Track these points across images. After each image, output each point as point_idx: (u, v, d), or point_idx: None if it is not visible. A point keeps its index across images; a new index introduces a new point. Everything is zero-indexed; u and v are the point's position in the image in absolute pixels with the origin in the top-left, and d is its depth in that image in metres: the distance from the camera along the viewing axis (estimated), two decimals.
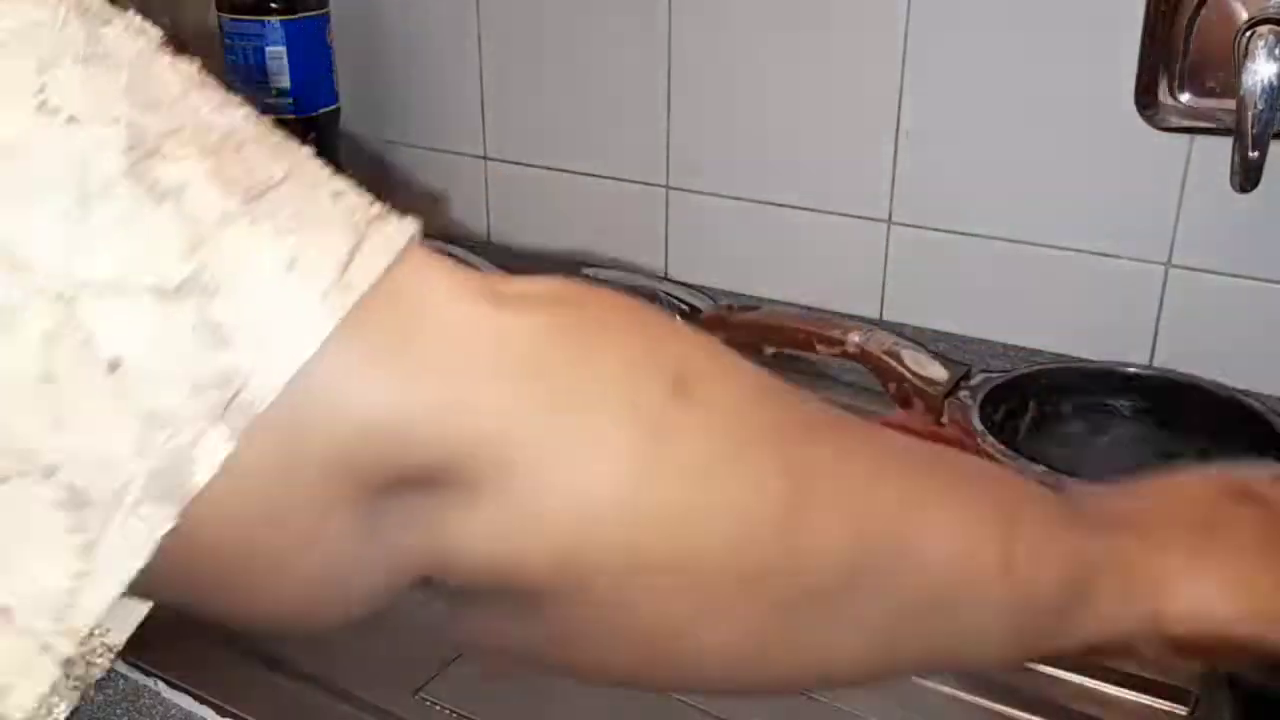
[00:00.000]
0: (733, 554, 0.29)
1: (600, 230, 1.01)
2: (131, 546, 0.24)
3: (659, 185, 0.97)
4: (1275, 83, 0.62)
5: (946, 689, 0.58)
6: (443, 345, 0.27)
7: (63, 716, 0.27)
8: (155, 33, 0.26)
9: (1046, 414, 0.71)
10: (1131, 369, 0.71)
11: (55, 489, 0.23)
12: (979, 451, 0.66)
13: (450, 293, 0.27)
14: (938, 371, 0.71)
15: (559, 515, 0.27)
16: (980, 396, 0.68)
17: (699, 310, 0.82)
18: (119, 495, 0.24)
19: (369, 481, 0.26)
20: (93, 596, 0.25)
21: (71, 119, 0.23)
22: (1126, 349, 0.80)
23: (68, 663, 0.27)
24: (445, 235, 0.88)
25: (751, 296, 0.93)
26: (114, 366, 0.23)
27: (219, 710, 0.58)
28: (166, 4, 1.13)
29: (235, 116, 0.26)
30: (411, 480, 0.26)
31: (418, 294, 0.27)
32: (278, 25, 0.99)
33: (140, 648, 0.63)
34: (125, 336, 0.23)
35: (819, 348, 0.77)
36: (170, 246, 0.24)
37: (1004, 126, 0.81)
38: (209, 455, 0.24)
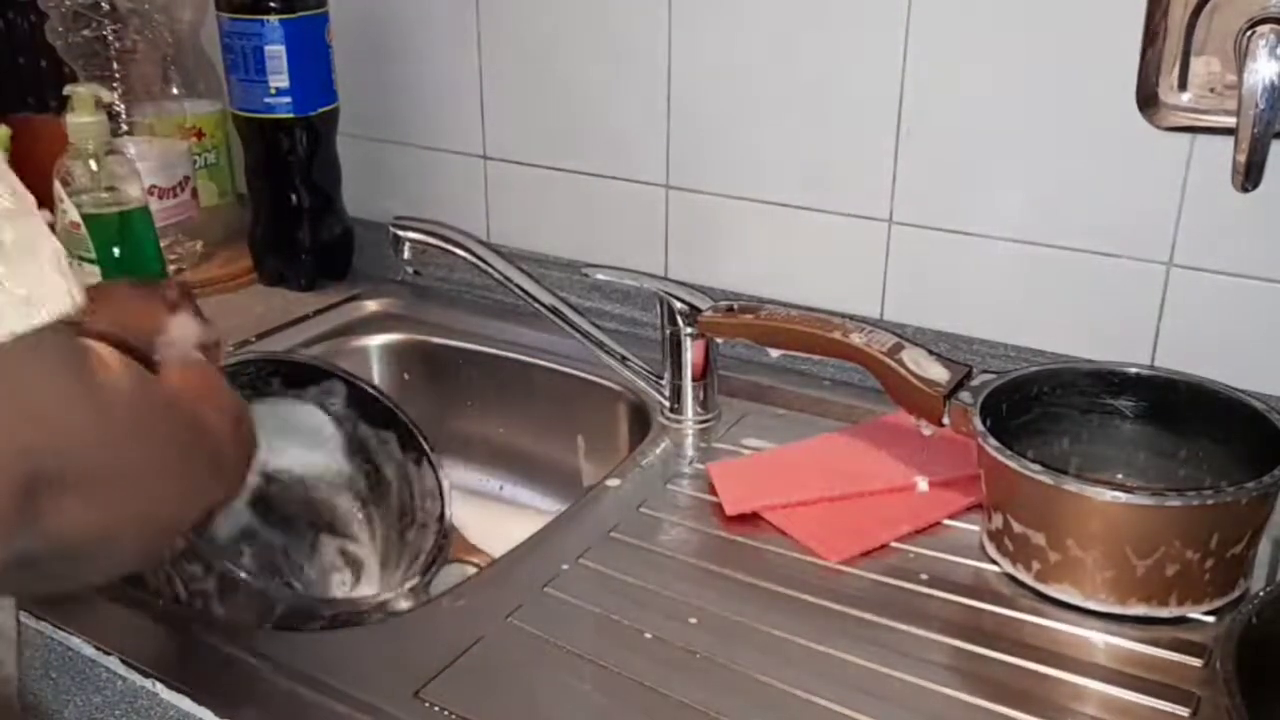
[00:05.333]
0: None
1: (600, 230, 1.01)
2: None
3: (659, 185, 0.97)
4: (1275, 82, 0.62)
5: (947, 689, 0.58)
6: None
7: None
8: None
9: (1047, 414, 0.71)
10: (1131, 369, 0.71)
11: None
12: (980, 452, 0.66)
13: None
14: (938, 372, 0.71)
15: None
16: (981, 397, 0.68)
17: (699, 310, 0.81)
18: None
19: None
20: None
21: None
22: (1126, 349, 0.80)
23: None
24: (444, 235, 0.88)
25: (751, 296, 0.93)
26: None
27: (218, 711, 0.58)
28: (166, 3, 1.13)
29: None
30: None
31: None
32: (277, 25, 0.99)
33: (140, 648, 0.62)
34: None
35: (819, 348, 0.77)
36: None
37: (1004, 127, 0.80)
38: None
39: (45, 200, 0.42)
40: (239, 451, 0.57)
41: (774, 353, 0.80)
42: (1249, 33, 0.66)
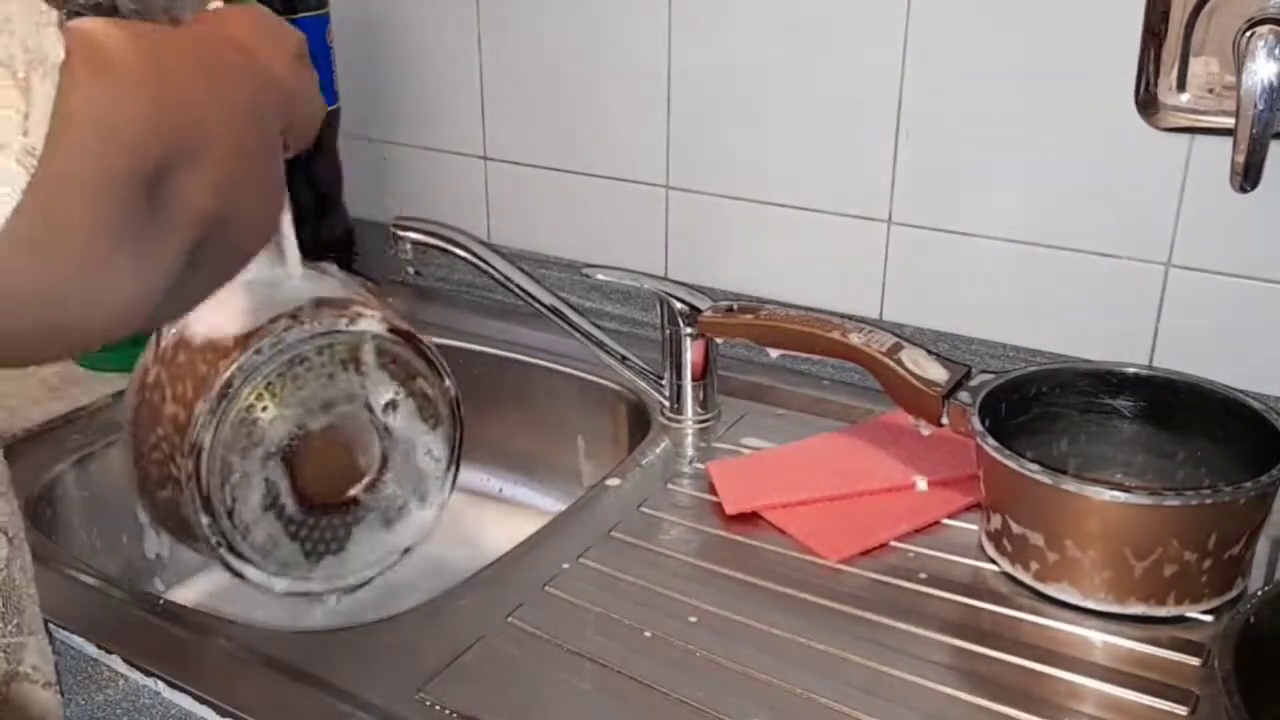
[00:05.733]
0: None
1: (600, 230, 1.01)
2: None
3: (659, 185, 0.97)
4: (1275, 83, 0.62)
5: (945, 688, 0.58)
6: (147, 68, 0.36)
7: None
8: None
9: (1046, 414, 0.71)
10: (1131, 369, 0.71)
11: None
12: (979, 451, 0.66)
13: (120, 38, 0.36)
14: (938, 372, 0.71)
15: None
16: (980, 397, 0.68)
17: (699, 310, 0.82)
18: None
19: (138, 181, 0.34)
20: None
21: None
22: (1126, 349, 0.80)
23: None
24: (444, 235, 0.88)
25: (751, 296, 0.93)
26: None
27: (219, 710, 0.58)
28: (167, 4, 1.13)
29: None
30: (161, 169, 0.35)
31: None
32: None
33: (140, 648, 0.63)
34: None
35: (819, 348, 0.77)
36: None
37: (1004, 126, 0.81)
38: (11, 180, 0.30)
39: None
40: (301, 77, 0.54)
41: (774, 353, 0.80)
42: (1248, 33, 0.66)
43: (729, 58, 0.90)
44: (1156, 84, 0.74)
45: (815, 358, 0.84)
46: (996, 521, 0.66)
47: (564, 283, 1.00)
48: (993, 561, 0.67)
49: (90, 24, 0.36)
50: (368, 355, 0.69)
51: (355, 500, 0.70)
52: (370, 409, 0.69)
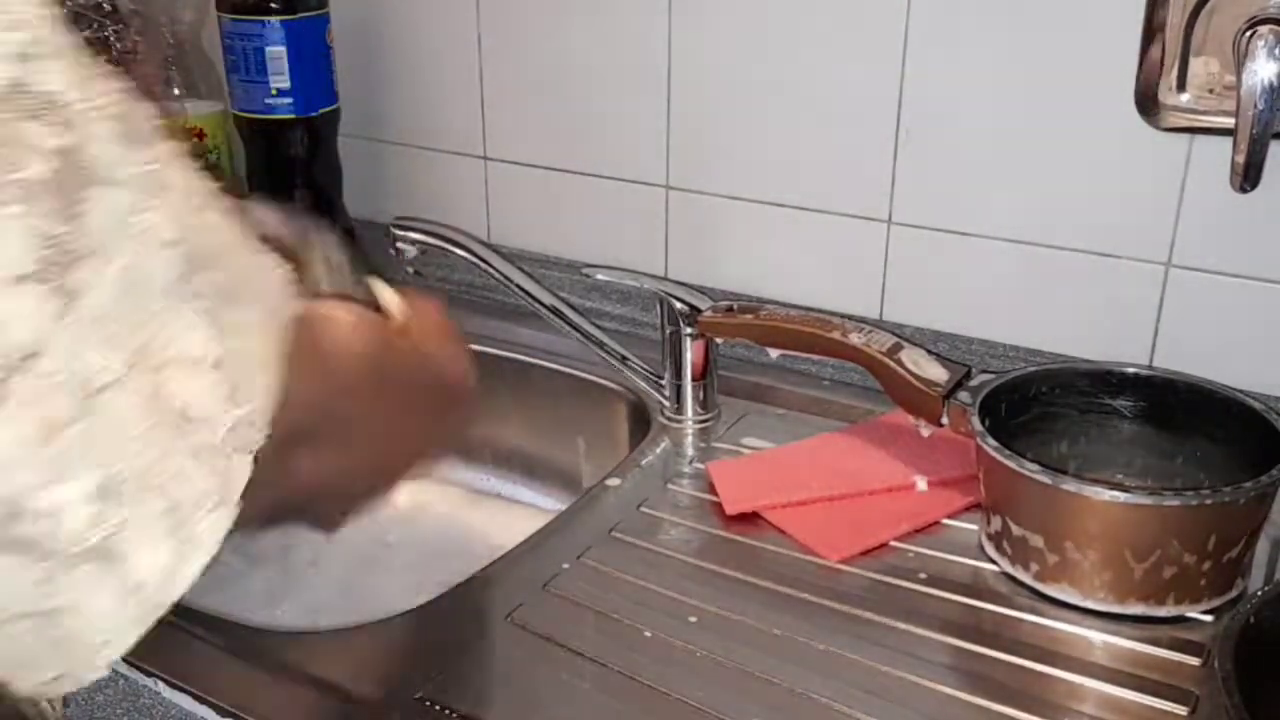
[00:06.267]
0: None
1: (600, 230, 1.01)
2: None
3: (659, 185, 0.97)
4: (1275, 83, 0.62)
5: (945, 688, 0.58)
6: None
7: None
8: None
9: (1046, 414, 0.71)
10: (1131, 369, 0.71)
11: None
12: (979, 452, 0.66)
13: None
14: (938, 372, 0.71)
15: None
16: (980, 397, 0.68)
17: (699, 310, 0.82)
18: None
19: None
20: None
21: None
22: (1126, 349, 0.80)
23: None
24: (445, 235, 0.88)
25: (751, 296, 0.93)
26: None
27: (219, 710, 0.58)
28: (167, 4, 1.13)
29: None
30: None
31: None
32: (278, 25, 0.99)
33: (140, 648, 0.63)
34: None
35: (819, 348, 0.77)
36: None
37: (1004, 127, 0.81)
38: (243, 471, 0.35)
39: None
40: (462, 393, 0.60)
41: (774, 353, 0.80)
42: (1248, 33, 0.66)
43: (729, 58, 0.90)
44: (1156, 84, 0.74)
45: (815, 358, 0.84)
46: (997, 523, 0.66)
47: (564, 283, 1.00)
48: (993, 562, 0.67)
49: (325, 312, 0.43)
50: None
51: None
52: None
